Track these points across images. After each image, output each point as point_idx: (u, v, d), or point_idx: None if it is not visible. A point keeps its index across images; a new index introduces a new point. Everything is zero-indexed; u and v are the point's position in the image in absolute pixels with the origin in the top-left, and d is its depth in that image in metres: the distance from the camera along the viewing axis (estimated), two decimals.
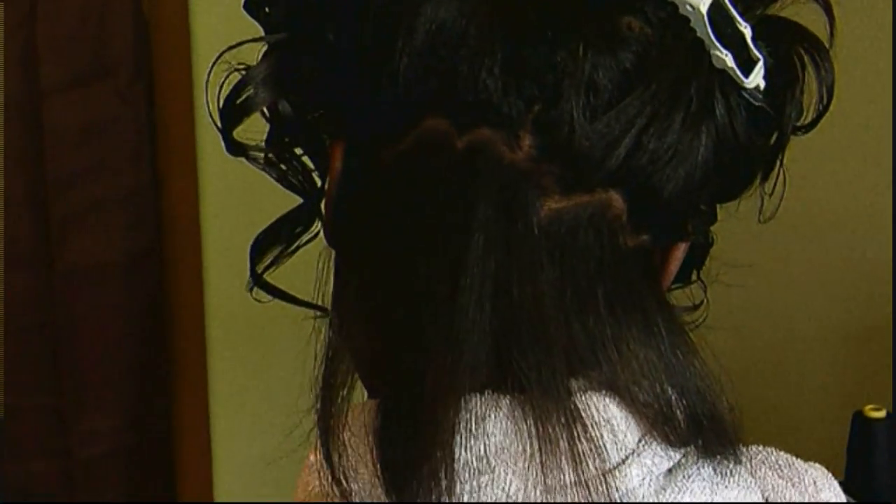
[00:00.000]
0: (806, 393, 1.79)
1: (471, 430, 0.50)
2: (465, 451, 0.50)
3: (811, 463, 0.58)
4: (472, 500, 0.49)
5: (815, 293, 1.76)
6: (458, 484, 0.49)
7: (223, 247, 1.93)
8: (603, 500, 0.50)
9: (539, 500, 0.49)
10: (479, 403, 0.50)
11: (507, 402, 0.50)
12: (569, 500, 0.49)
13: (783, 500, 0.55)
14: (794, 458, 0.58)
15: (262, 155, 0.57)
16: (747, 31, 0.53)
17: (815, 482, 0.57)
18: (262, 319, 1.85)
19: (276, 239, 0.59)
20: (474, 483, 0.49)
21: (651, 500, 0.51)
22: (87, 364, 1.91)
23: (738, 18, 0.52)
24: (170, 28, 1.87)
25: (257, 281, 0.59)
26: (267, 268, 0.59)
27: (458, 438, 0.49)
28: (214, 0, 1.85)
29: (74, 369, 1.91)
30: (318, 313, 0.58)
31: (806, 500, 0.56)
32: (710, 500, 0.52)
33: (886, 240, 1.63)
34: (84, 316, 1.90)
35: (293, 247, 0.59)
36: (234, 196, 1.89)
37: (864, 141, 1.70)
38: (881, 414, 1.42)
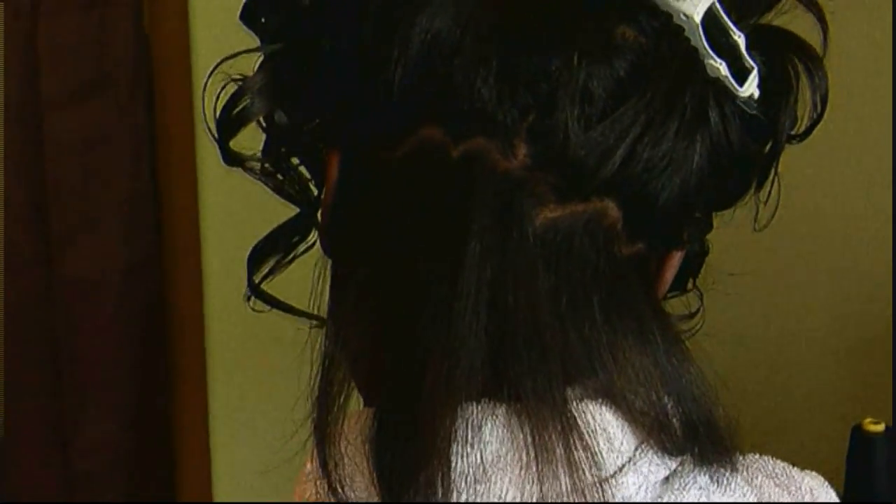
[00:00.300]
0: (803, 402, 1.78)
1: (467, 439, 0.50)
2: (462, 459, 0.49)
3: (808, 471, 0.58)
4: None
5: (812, 302, 1.76)
6: (454, 493, 0.49)
7: (222, 256, 1.93)
8: None
9: None
10: (475, 412, 0.50)
11: (504, 410, 0.50)
12: None
13: None
14: (790, 467, 0.58)
15: (258, 165, 0.58)
16: (741, 41, 0.53)
17: (811, 490, 0.57)
18: (261, 327, 1.84)
19: (274, 249, 0.59)
20: (470, 492, 0.49)
21: None
22: (87, 371, 1.91)
23: (732, 28, 0.53)
24: (169, 40, 1.88)
25: (254, 291, 0.60)
26: (264, 278, 0.59)
27: (454, 447, 0.49)
28: (214, 12, 1.86)
29: (74, 377, 1.91)
30: (315, 323, 0.58)
31: None
32: None
33: (886, 249, 1.62)
34: (84, 325, 1.90)
35: (290, 256, 0.59)
36: (233, 206, 1.89)
37: (863, 149, 1.70)
38: (880, 428, 1.41)
